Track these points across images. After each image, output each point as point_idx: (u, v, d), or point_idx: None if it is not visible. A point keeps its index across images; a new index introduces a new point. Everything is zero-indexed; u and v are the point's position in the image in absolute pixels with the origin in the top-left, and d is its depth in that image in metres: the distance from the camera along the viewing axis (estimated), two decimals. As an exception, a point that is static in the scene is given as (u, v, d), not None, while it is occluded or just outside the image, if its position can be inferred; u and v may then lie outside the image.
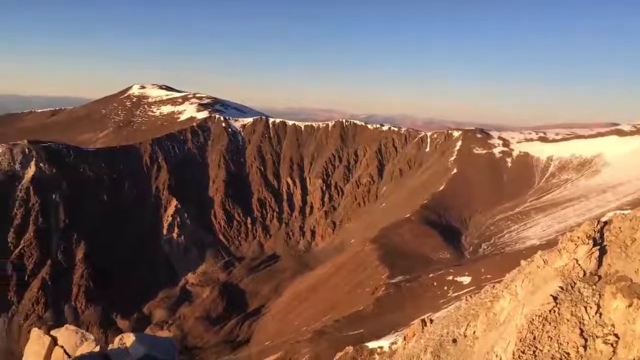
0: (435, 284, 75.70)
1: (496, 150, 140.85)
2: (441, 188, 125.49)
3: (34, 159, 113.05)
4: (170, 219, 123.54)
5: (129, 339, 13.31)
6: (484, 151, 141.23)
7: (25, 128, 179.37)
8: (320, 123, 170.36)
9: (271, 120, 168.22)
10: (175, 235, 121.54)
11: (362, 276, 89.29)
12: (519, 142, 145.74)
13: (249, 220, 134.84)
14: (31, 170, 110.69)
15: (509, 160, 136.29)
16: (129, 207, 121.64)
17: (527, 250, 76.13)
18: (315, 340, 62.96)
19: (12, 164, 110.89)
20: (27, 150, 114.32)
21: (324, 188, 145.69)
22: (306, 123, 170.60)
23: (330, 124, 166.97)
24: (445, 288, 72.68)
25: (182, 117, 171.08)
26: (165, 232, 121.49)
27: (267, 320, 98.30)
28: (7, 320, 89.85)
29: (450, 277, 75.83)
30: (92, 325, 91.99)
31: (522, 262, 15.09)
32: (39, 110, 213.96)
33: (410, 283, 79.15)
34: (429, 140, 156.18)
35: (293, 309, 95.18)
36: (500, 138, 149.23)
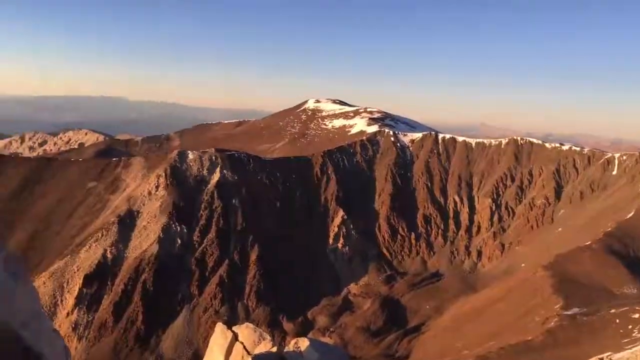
0: (617, 320, 68.04)
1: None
2: (629, 215, 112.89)
3: (219, 165, 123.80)
4: (336, 229, 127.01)
5: (303, 343, 13.83)
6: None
7: (214, 137, 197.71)
8: (492, 140, 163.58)
9: (440, 135, 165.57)
10: (340, 245, 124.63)
11: (531, 304, 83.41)
12: None
13: (413, 236, 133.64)
14: (216, 176, 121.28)
15: None
16: (298, 215, 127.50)
17: None
18: (477, 365, 60.14)
19: (201, 169, 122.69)
20: (214, 157, 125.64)
21: (494, 208, 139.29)
22: (477, 140, 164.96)
23: (504, 141, 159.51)
24: (630, 327, 64.95)
25: (353, 131, 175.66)
26: (331, 241, 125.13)
27: (427, 338, 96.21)
28: (189, 311, 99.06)
29: (637, 315, 67.64)
30: (261, 324, 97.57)
31: None
32: (226, 122, 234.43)
33: (587, 317, 72.11)
34: (616, 162, 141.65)
35: (455, 330, 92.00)
36: None
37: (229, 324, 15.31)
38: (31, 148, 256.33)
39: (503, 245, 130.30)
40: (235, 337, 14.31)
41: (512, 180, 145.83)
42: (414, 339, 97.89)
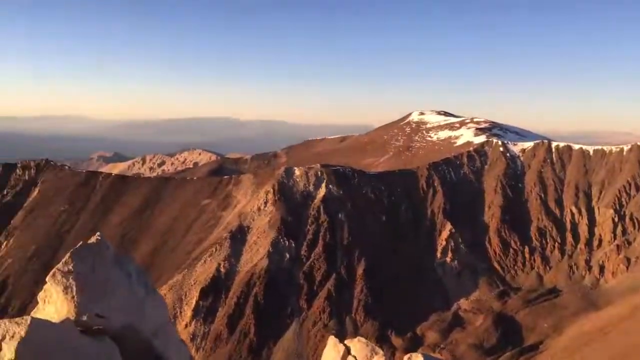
0: None
1: None
2: None
3: (324, 181, 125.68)
4: (444, 242, 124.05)
5: (417, 359, 13.63)
6: None
7: (319, 153, 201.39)
8: (612, 147, 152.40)
9: (554, 144, 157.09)
10: (448, 259, 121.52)
11: (664, 324, 76.52)
12: None
13: (526, 250, 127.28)
14: (322, 191, 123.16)
15: None
16: (404, 229, 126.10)
17: None
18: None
19: (307, 185, 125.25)
20: (319, 173, 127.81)
21: (617, 219, 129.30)
22: (595, 147, 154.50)
23: (626, 147, 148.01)
24: None
25: (459, 142, 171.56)
26: (439, 255, 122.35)
27: (545, 358, 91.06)
28: (298, 324, 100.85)
29: None
30: (370, 339, 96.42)
31: None
32: (331, 137, 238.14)
33: None
34: None
35: (576, 350, 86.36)
36: None
37: (339, 338, 15.37)
38: (151, 168, 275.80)
39: (629, 260, 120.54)
40: (347, 351, 14.33)
41: (637, 189, 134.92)
42: (531, 358, 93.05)
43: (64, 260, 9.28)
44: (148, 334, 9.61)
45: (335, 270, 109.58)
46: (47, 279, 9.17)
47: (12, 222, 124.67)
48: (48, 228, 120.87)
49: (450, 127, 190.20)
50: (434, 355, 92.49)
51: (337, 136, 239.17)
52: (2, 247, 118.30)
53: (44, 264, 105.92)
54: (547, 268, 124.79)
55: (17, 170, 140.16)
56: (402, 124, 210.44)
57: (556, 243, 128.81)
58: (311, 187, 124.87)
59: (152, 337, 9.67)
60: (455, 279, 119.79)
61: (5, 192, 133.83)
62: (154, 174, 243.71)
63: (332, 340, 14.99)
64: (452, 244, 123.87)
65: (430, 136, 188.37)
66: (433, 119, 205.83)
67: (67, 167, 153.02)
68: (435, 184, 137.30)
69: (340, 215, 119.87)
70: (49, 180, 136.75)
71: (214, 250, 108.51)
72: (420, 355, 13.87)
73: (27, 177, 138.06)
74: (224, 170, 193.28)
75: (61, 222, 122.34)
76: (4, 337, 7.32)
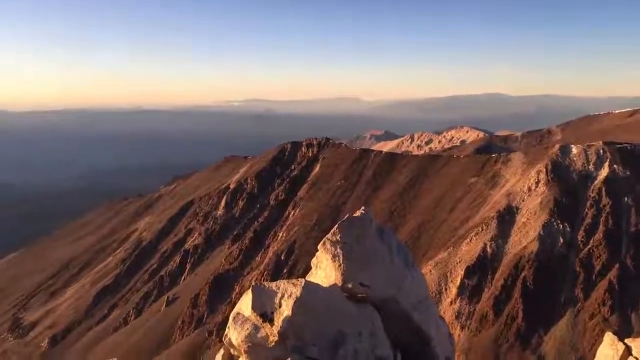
0: None
1: None
2: None
3: (607, 160, 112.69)
4: None
5: None
6: None
7: (601, 129, 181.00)
8: None
9: None
10: None
11: None
12: None
13: None
14: (604, 172, 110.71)
15: None
16: None
17: None
18: None
19: (585, 165, 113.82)
20: (601, 151, 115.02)
21: None
22: None
23: None
24: None
25: None
26: None
27: None
28: (573, 315, 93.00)
29: None
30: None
31: None
32: (617, 111, 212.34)
33: None
34: None
35: None
36: None
37: (620, 335, 13.80)
38: (419, 146, 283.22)
39: None
40: (628, 351, 12.74)
41: None
42: None
43: (332, 230, 9.86)
44: (408, 307, 9.70)
45: (619, 259, 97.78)
46: (318, 247, 9.83)
47: (298, 193, 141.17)
48: (327, 200, 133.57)
49: None
50: None
51: (624, 110, 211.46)
52: (290, 215, 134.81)
53: (324, 232, 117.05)
54: None
55: (303, 148, 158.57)
56: None
57: None
58: (591, 167, 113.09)
59: (412, 310, 9.74)
60: None
61: (292, 167, 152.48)
62: (422, 152, 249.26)
63: (609, 337, 13.48)
64: None
65: None
66: None
67: (343, 144, 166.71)
68: None
69: (626, 199, 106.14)
70: (328, 157, 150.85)
71: (480, 229, 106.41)
72: None
73: (310, 154, 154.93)
74: (492, 148, 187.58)
75: (338, 195, 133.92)
76: (283, 296, 8.06)
